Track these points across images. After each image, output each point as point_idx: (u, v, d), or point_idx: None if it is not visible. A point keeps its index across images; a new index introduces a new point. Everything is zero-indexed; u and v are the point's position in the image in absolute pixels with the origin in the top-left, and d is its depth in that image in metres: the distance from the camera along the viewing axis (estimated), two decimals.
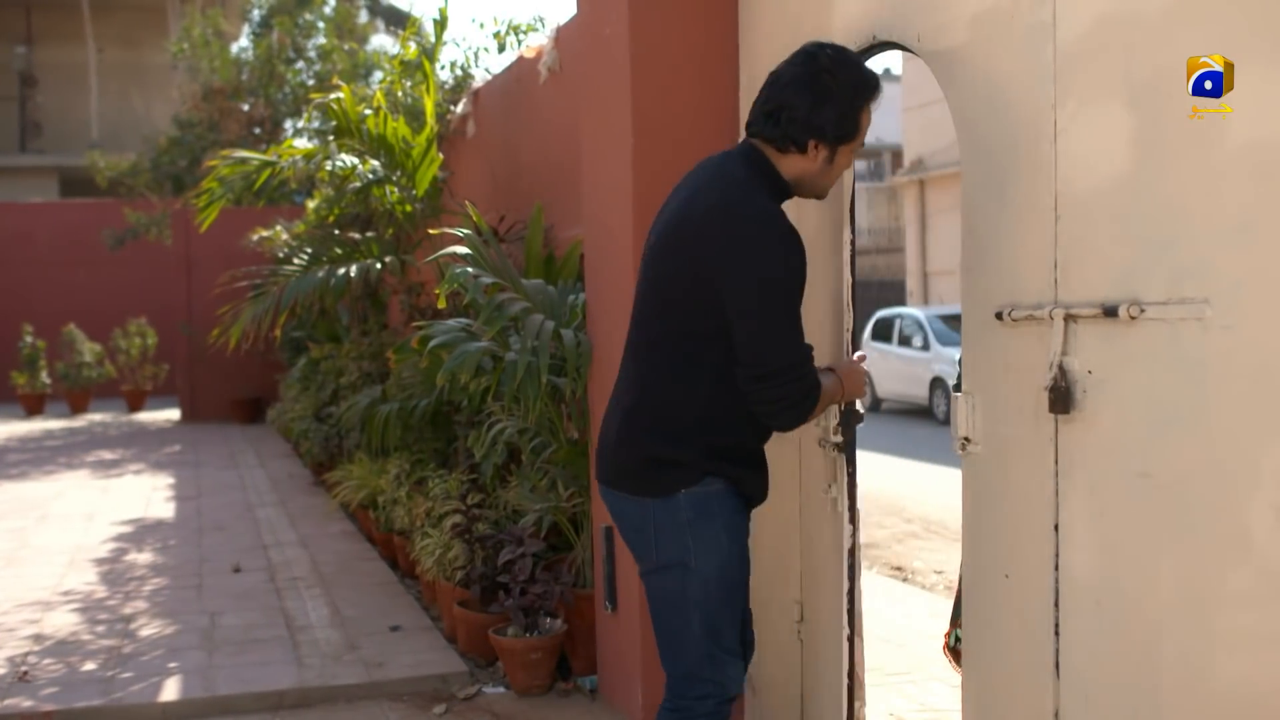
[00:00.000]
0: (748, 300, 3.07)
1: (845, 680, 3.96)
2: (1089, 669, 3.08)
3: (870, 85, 3.23)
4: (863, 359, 3.56)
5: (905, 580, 7.79)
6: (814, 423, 3.68)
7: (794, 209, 3.47)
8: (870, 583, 7.21)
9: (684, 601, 3.21)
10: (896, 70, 36.27)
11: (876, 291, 30.90)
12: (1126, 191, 2.96)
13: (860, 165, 40.10)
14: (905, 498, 11.29)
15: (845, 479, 3.82)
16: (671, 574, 3.22)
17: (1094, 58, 3.04)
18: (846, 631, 3.93)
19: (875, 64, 3.81)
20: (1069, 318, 3.09)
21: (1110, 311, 2.96)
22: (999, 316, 3.30)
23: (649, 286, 3.30)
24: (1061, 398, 3.10)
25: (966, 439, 3.46)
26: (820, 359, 3.57)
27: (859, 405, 3.78)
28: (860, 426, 3.84)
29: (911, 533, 9.60)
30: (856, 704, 3.98)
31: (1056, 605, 3.16)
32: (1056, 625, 3.16)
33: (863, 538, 5.80)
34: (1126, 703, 2.97)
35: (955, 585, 3.99)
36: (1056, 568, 3.16)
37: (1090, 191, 3.06)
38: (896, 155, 35.91)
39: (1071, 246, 3.11)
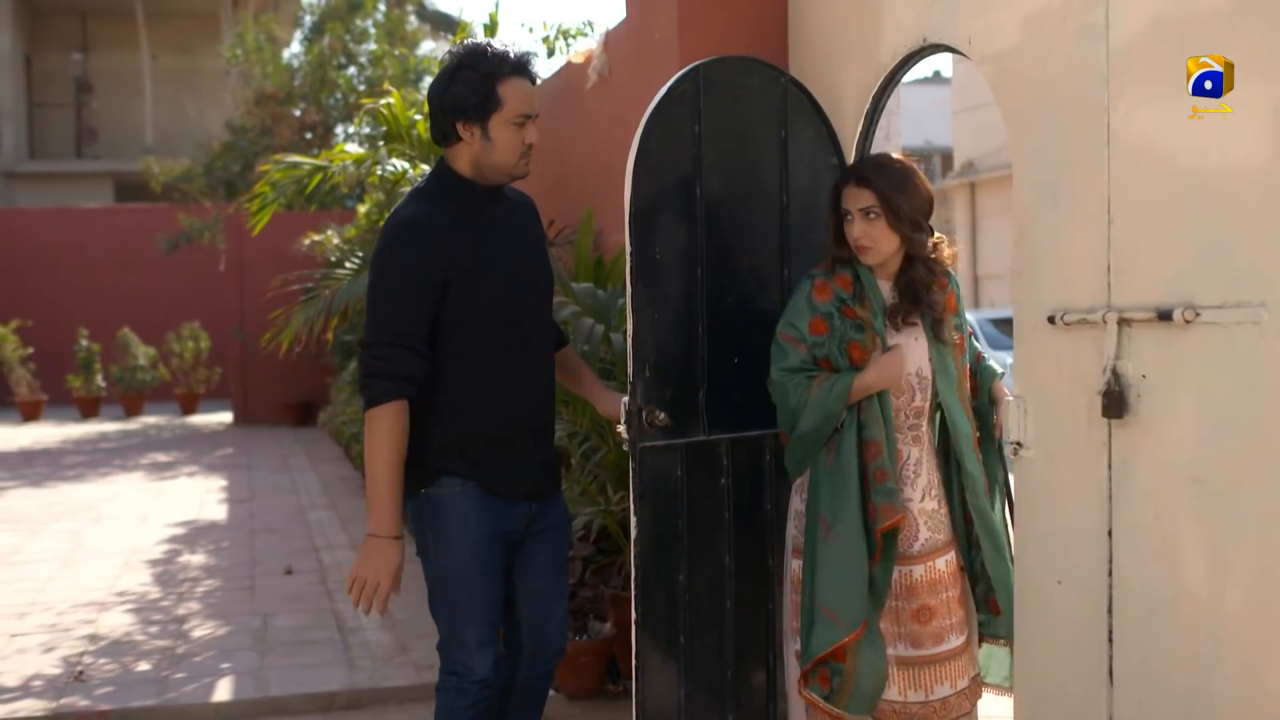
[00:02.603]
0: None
1: None
2: (1144, 678, 3.05)
3: (495, 58, 3.28)
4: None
5: None
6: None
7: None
8: None
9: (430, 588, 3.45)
10: (947, 73, 36.13)
11: None
12: (1181, 194, 2.93)
13: None
14: None
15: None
16: (423, 562, 3.46)
17: (1147, 59, 3.01)
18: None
19: (925, 66, 3.83)
20: (1123, 321, 3.06)
21: (1165, 315, 2.93)
22: (1051, 320, 3.28)
23: None
24: (1115, 402, 3.08)
25: (1018, 444, 3.44)
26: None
27: None
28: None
29: None
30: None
31: (1110, 612, 3.14)
32: (1110, 633, 3.14)
33: None
34: (1182, 712, 2.94)
35: None
36: (1110, 574, 3.14)
37: (1144, 194, 3.03)
38: (946, 158, 35.69)
39: (1125, 249, 3.09)
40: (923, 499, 3.61)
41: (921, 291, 3.58)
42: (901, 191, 3.52)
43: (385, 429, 3.23)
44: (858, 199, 3.54)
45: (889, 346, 3.56)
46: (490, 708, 3.50)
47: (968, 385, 3.71)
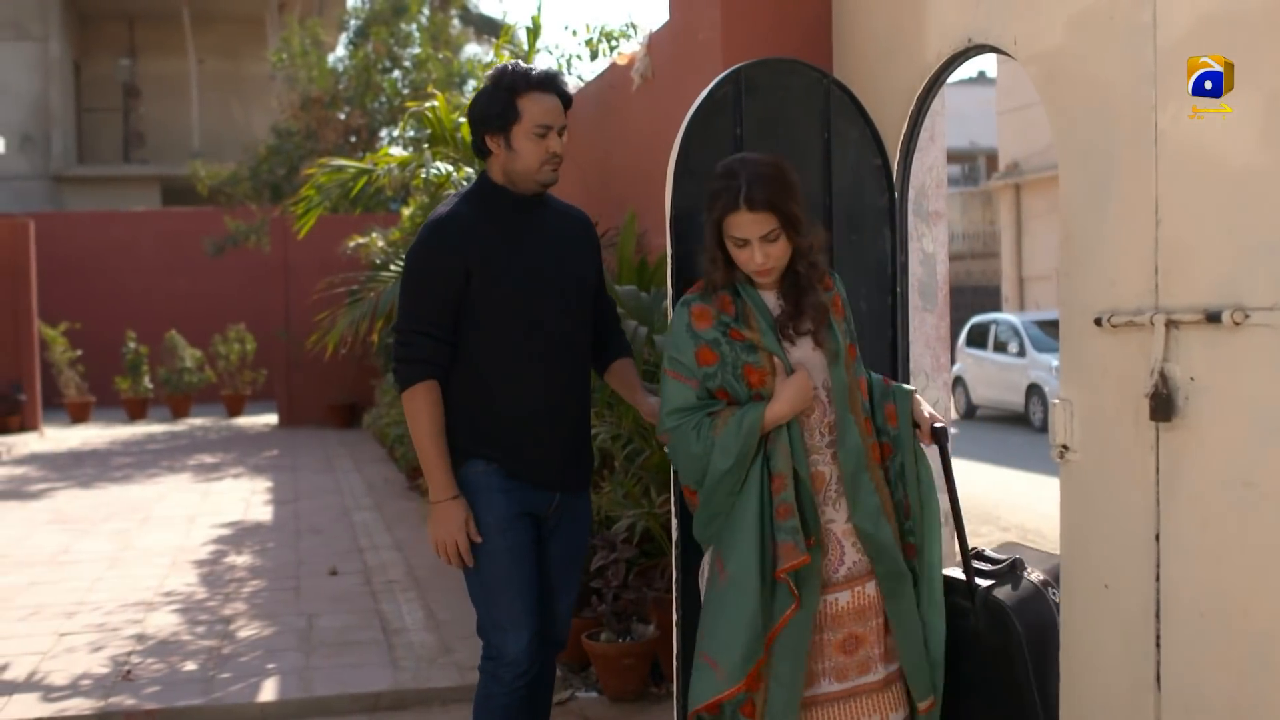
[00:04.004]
0: None
1: None
2: (1192, 683, 3.02)
3: (517, 75, 3.52)
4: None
5: None
6: None
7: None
8: None
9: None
10: (991, 73, 35.95)
11: (971, 297, 30.53)
12: (1230, 194, 2.90)
13: (954, 169, 39.72)
14: (1001, 506, 11.15)
15: None
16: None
17: (1195, 60, 2.98)
18: None
19: (969, 67, 3.79)
20: (1170, 323, 3.03)
21: (1213, 317, 2.90)
22: (1098, 322, 3.25)
23: None
24: (1163, 405, 3.05)
25: (1065, 447, 3.42)
26: None
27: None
28: (955, 433, 3.79)
29: (1007, 541, 9.48)
30: None
31: (1158, 617, 3.11)
32: (1158, 637, 3.11)
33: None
34: (1231, 718, 2.91)
35: None
36: (1158, 578, 3.11)
37: (1192, 195, 3.00)
38: (991, 159, 35.49)
39: (1173, 251, 3.06)
40: (848, 519, 3.28)
41: (808, 291, 3.29)
42: (793, 199, 3.22)
43: (420, 407, 3.49)
44: (756, 226, 3.18)
45: (789, 363, 3.25)
46: (527, 700, 3.61)
47: (860, 395, 3.34)
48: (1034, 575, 3.53)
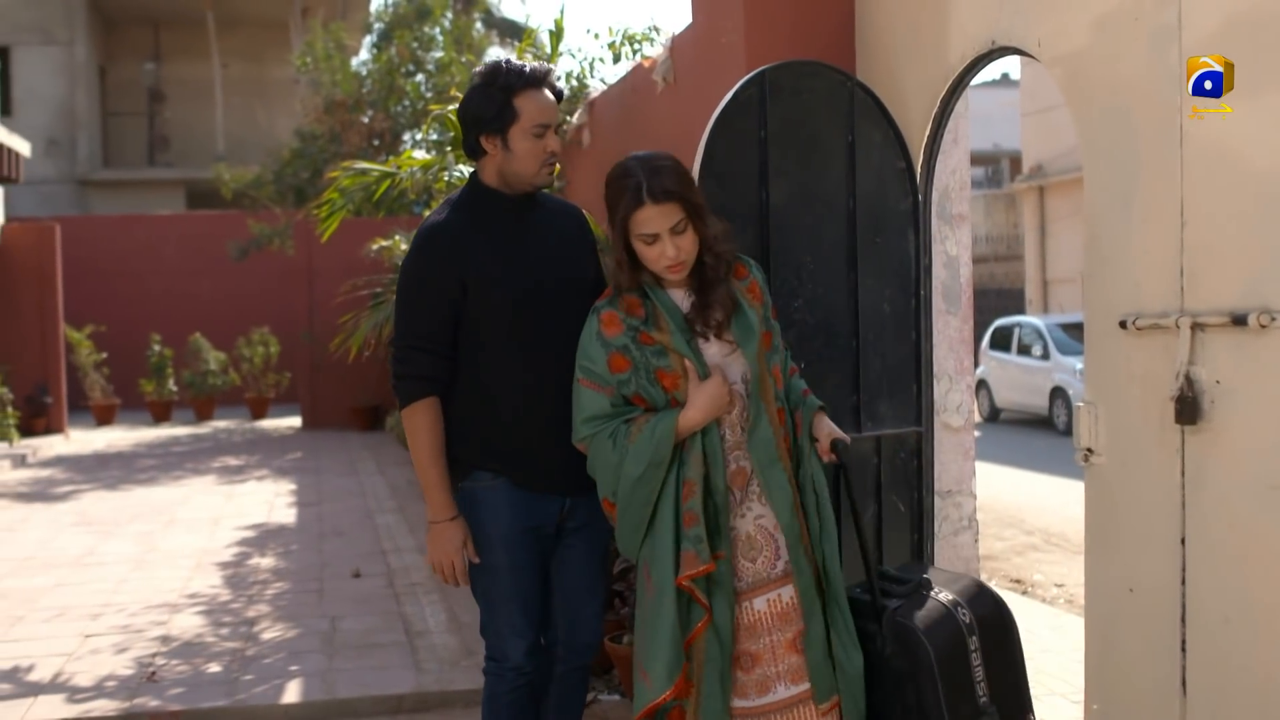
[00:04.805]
0: None
1: None
2: (1217, 687, 3.00)
3: (511, 73, 3.41)
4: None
5: (1025, 593, 7.66)
6: None
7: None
8: None
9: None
10: (1015, 75, 35.82)
11: (994, 300, 30.44)
12: (1256, 196, 2.89)
13: (978, 171, 39.60)
14: (1025, 509, 11.11)
15: None
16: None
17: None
18: None
19: (993, 69, 3.79)
20: (1196, 326, 3.02)
21: (1239, 320, 2.89)
22: (1123, 325, 3.24)
23: None
24: (1188, 408, 3.04)
25: (1089, 450, 3.41)
26: None
27: None
28: (978, 436, 3.77)
29: (1031, 545, 9.44)
30: None
31: (1183, 621, 3.09)
32: (1183, 642, 3.09)
33: (981, 549, 5.73)
34: None
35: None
36: (1183, 582, 3.09)
37: (1218, 197, 2.99)
38: (1015, 161, 35.40)
39: (1198, 253, 3.05)
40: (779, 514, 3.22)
41: (716, 284, 3.22)
42: (693, 189, 3.20)
43: (419, 425, 3.43)
44: (665, 218, 3.13)
45: (701, 363, 3.18)
46: (529, 695, 3.66)
47: (771, 383, 3.26)
48: (942, 595, 3.34)
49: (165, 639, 6.46)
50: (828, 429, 3.33)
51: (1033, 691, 5.31)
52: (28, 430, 16.92)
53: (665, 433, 3.12)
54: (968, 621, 3.27)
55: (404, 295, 3.50)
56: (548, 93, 3.45)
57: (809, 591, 3.20)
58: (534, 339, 3.46)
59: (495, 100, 3.41)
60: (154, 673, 5.80)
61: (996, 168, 41.46)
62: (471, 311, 3.42)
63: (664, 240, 3.14)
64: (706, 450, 3.16)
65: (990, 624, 3.30)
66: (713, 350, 3.22)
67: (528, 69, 3.43)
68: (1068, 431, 16.62)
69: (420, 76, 19.46)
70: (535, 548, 3.55)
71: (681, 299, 3.26)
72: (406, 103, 19.06)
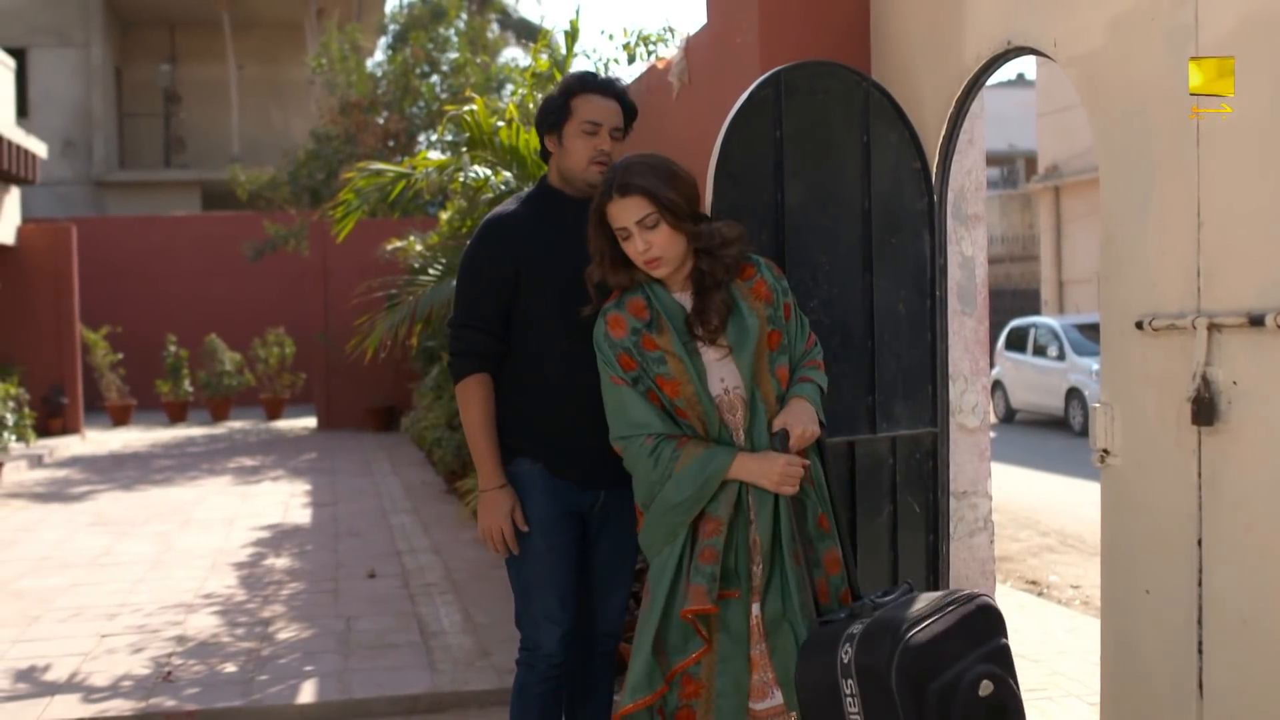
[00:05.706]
0: None
1: None
2: (1234, 690, 2.99)
3: (574, 78, 3.68)
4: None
5: (1040, 594, 7.65)
6: None
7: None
8: (1004, 596, 7.09)
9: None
10: (1031, 75, 35.76)
11: (1010, 300, 30.37)
12: (1273, 197, 2.88)
13: (993, 171, 39.53)
14: (1040, 510, 11.09)
15: None
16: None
17: (1238, 60, 2.96)
18: None
19: (1008, 69, 3.78)
20: (1213, 327, 3.01)
21: (1256, 320, 2.88)
22: (1139, 326, 3.23)
23: None
24: (1205, 409, 3.03)
25: (1105, 451, 3.40)
26: None
27: None
28: (994, 437, 3.76)
29: (1047, 546, 9.42)
30: None
31: (1200, 623, 3.08)
32: (1200, 644, 3.08)
33: (997, 551, 5.72)
34: None
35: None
36: (1200, 584, 3.08)
37: (1235, 197, 2.98)
38: (1031, 161, 35.32)
39: (1215, 254, 3.04)
40: None
41: (713, 289, 3.23)
42: (669, 185, 3.19)
43: (471, 397, 3.62)
44: (629, 211, 3.18)
45: (698, 368, 3.20)
46: (558, 691, 3.74)
47: (773, 386, 3.27)
48: (854, 627, 2.98)
49: (181, 639, 6.48)
50: (784, 416, 3.22)
51: (1049, 693, 5.32)
52: (44, 431, 16.99)
53: (716, 473, 3.13)
54: (845, 662, 2.94)
55: (462, 276, 3.70)
56: (607, 98, 3.64)
57: (775, 607, 3.20)
58: (576, 335, 3.51)
59: (556, 102, 3.65)
60: (170, 673, 5.82)
61: (1012, 168, 41.38)
62: (522, 300, 3.60)
63: (635, 235, 3.20)
64: (743, 500, 3.17)
65: (870, 673, 2.89)
66: (710, 354, 3.24)
67: (590, 75, 3.69)
68: (1083, 432, 16.59)
69: (435, 77, 19.51)
70: (572, 532, 3.67)
71: (686, 301, 3.29)
72: (421, 104, 19.11)
